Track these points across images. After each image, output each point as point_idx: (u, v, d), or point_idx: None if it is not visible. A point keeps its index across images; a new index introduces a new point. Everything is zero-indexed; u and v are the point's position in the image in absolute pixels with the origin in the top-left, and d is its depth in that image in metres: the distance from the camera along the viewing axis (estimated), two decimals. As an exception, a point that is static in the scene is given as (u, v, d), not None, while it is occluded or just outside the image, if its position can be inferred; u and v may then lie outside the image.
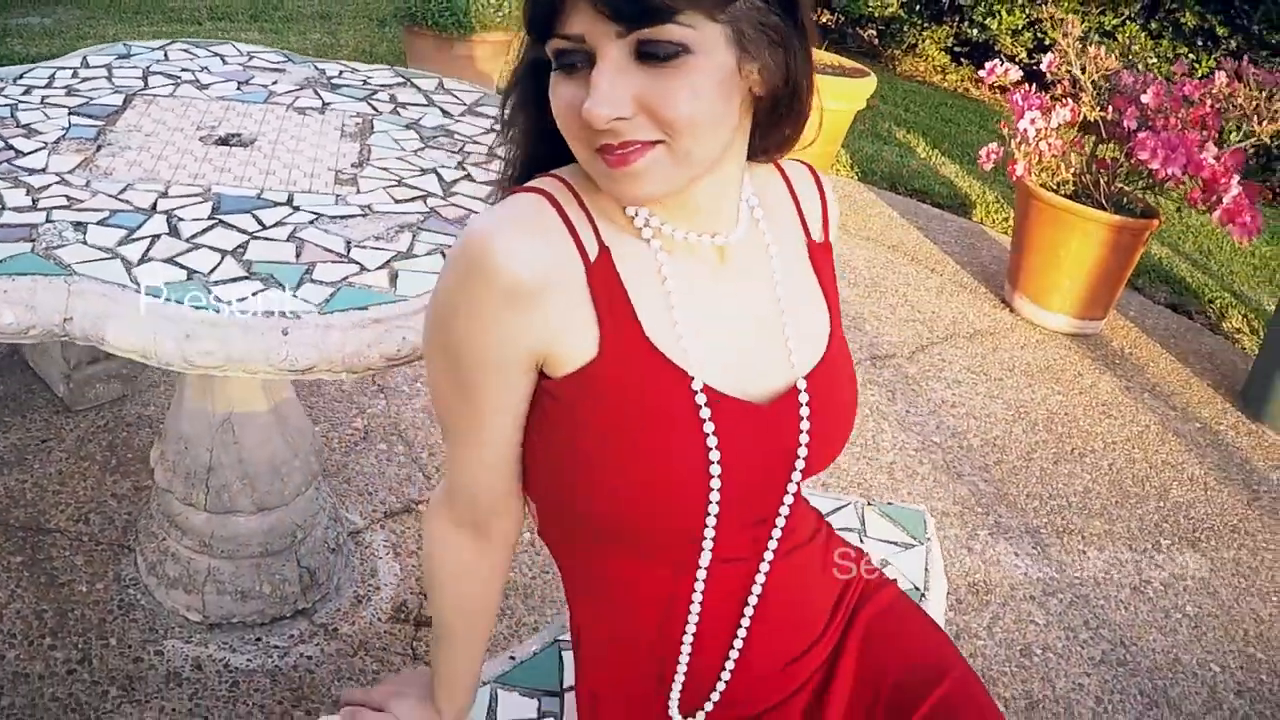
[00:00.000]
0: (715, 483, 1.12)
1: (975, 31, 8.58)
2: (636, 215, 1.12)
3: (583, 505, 1.13)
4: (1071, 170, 4.59)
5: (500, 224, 1.06)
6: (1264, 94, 4.33)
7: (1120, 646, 2.90)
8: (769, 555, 1.25)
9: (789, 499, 1.23)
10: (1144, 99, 4.36)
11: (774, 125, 1.13)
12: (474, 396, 1.12)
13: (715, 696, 1.29)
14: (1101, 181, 4.51)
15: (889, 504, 2.07)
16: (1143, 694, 2.75)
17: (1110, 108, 4.49)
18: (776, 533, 1.25)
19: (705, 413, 1.11)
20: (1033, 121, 4.56)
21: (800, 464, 1.21)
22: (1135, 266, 5.25)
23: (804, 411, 1.20)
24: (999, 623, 2.87)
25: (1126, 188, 4.51)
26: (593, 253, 1.10)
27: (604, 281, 1.09)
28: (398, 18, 5.38)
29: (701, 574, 1.20)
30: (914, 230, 5.48)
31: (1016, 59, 7.72)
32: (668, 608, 1.22)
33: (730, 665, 1.28)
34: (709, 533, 1.15)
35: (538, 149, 1.14)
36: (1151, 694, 2.75)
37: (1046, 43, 7.47)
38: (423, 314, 1.27)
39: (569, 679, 1.53)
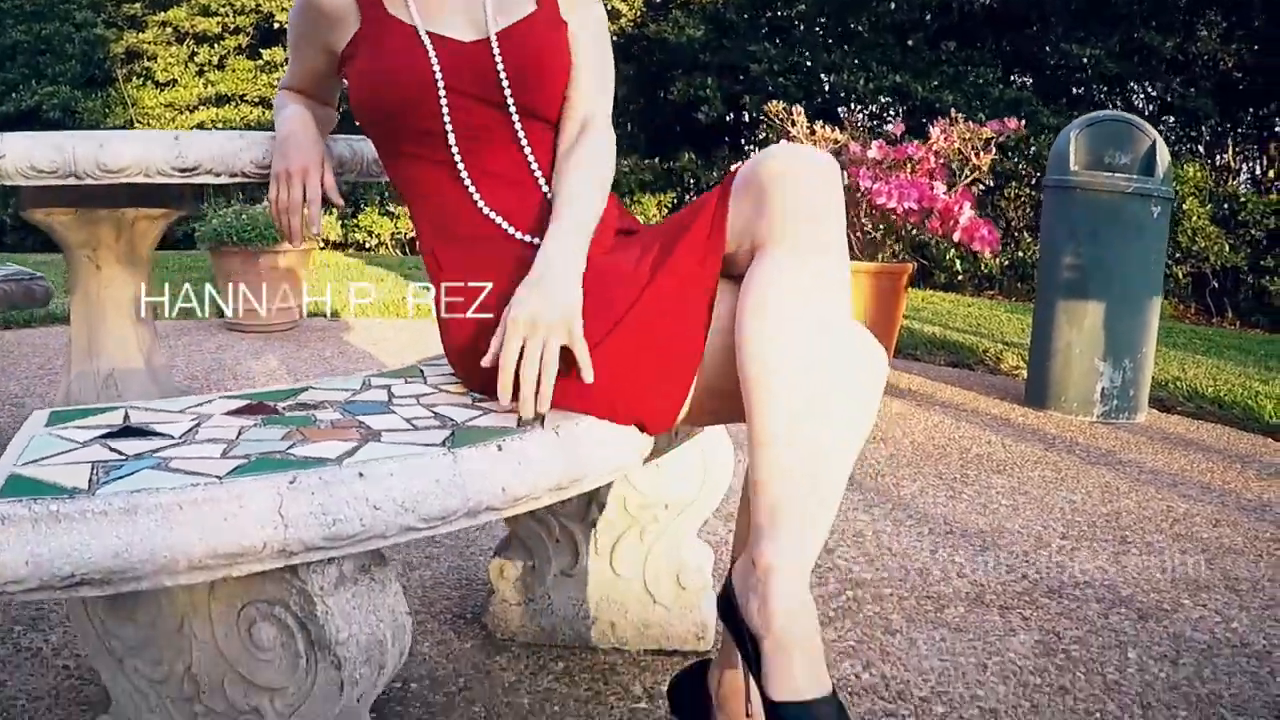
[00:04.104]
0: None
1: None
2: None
3: (369, 104, 1.68)
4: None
5: None
6: (975, 134, 4.82)
7: (944, 525, 3.03)
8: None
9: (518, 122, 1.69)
10: (871, 154, 4.80)
11: None
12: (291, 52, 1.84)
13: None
14: (852, 240, 4.89)
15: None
16: (973, 546, 2.87)
17: (844, 174, 4.91)
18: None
19: (428, 45, 1.65)
20: (781, 202, 4.94)
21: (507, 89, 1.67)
22: (912, 340, 5.61)
23: (497, 50, 1.67)
24: (836, 519, 2.97)
25: (877, 235, 4.89)
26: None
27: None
28: (206, 239, 5.65)
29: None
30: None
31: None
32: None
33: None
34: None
35: None
36: (980, 546, 2.88)
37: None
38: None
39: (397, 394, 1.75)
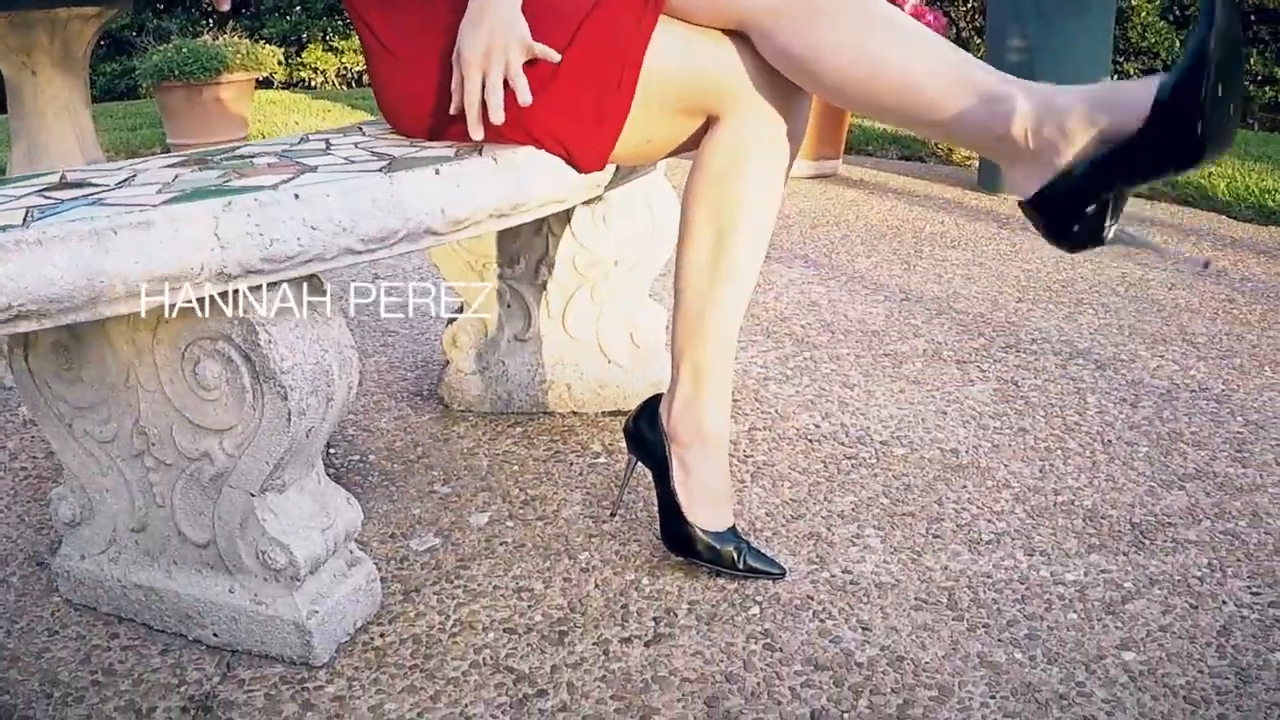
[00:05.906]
0: None
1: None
2: None
3: None
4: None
5: None
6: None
7: (899, 294, 3.04)
8: None
9: None
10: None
11: None
12: None
13: None
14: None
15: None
16: (929, 310, 2.89)
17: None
18: None
19: None
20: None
21: None
22: (864, 135, 5.58)
23: None
24: (790, 292, 2.99)
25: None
26: None
27: None
28: (148, 76, 5.54)
29: None
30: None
31: None
32: None
33: None
34: None
35: None
36: (936, 310, 2.89)
37: None
38: None
39: (335, 143, 1.69)
